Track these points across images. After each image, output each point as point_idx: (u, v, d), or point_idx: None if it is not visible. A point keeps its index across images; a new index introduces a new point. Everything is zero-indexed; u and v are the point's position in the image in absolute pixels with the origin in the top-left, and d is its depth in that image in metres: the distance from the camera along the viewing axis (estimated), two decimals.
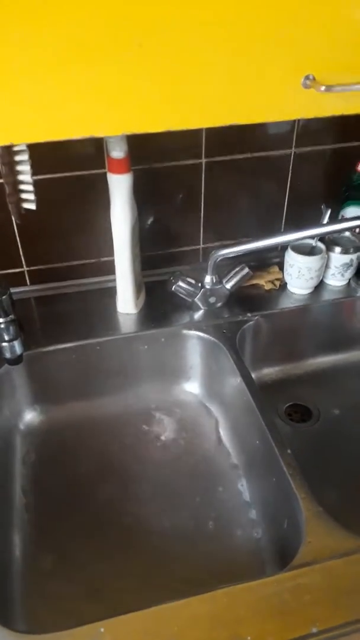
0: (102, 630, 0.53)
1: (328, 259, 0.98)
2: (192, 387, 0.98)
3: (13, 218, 0.84)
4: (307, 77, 0.54)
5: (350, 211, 1.00)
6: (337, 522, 0.64)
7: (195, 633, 0.54)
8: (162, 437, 0.91)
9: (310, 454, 0.88)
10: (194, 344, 0.94)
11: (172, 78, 0.52)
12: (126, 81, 0.51)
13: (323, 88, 0.53)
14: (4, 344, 0.80)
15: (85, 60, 0.49)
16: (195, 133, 0.91)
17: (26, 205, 0.76)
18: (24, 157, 0.71)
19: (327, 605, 0.56)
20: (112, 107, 0.52)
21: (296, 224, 0.90)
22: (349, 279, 1.02)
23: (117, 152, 0.79)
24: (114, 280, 0.93)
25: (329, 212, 0.92)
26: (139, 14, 0.48)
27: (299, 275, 0.97)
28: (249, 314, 0.95)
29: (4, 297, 0.77)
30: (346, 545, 0.61)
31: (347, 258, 0.98)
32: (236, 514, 0.79)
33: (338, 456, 0.89)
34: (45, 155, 0.81)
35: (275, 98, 0.55)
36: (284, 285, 1.01)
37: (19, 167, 0.72)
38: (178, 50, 0.51)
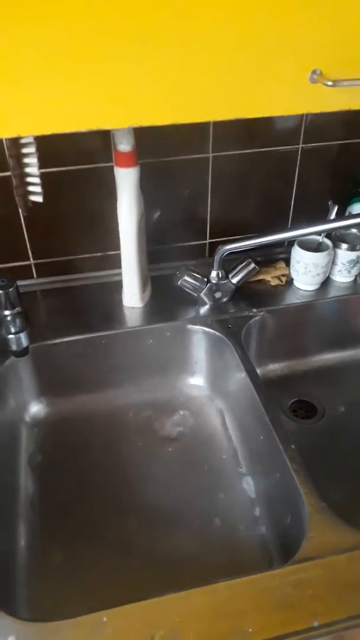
0: (104, 619, 0.54)
1: (335, 255, 0.98)
2: (197, 382, 0.99)
3: (20, 211, 0.84)
4: (314, 72, 0.54)
5: (358, 207, 0.99)
6: (340, 518, 0.64)
7: (197, 624, 0.54)
8: (167, 431, 0.91)
9: (315, 450, 0.88)
10: (199, 339, 0.94)
11: (177, 72, 0.52)
12: (131, 75, 0.51)
13: (330, 83, 0.53)
14: (11, 336, 0.80)
15: (91, 54, 0.49)
16: (203, 127, 0.91)
17: (33, 198, 0.77)
18: (31, 149, 0.71)
19: (328, 600, 0.56)
20: (117, 100, 0.52)
21: (303, 220, 0.90)
22: (356, 276, 1.02)
23: (124, 146, 0.79)
24: (120, 274, 0.94)
25: (336, 208, 0.92)
26: (142, 8, 0.48)
27: (305, 272, 0.96)
28: (254, 310, 0.95)
29: (10, 289, 0.77)
30: (349, 540, 0.61)
31: (353, 255, 0.97)
32: (240, 508, 0.79)
33: (342, 453, 0.89)
34: (52, 148, 0.81)
35: (282, 92, 0.55)
36: (290, 281, 1.01)
37: (26, 160, 0.72)
38: (182, 45, 0.51)
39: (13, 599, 0.67)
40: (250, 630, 0.53)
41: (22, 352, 0.83)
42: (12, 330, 0.80)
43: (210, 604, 0.56)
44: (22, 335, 0.81)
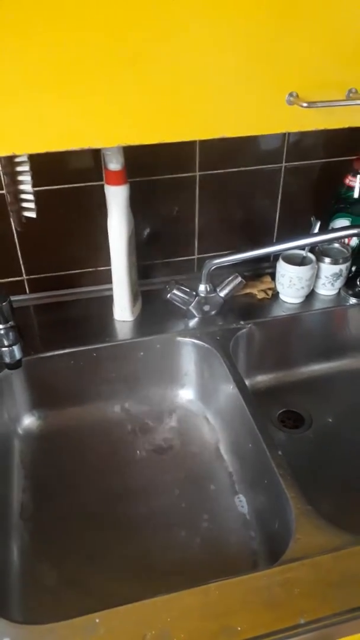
0: (97, 621, 0.55)
1: (318, 269, 1.01)
2: (187, 394, 1.00)
3: (13, 226, 0.87)
4: (290, 94, 0.58)
5: (339, 223, 1.03)
6: (325, 520, 0.65)
7: (187, 624, 0.55)
8: (158, 442, 0.93)
9: (303, 459, 0.89)
10: (189, 351, 0.96)
11: (165, 93, 0.55)
12: (121, 95, 0.54)
13: (305, 104, 0.57)
14: (4, 349, 0.82)
15: (82, 76, 0.52)
16: (190, 147, 0.94)
17: (27, 214, 0.79)
18: (25, 167, 0.74)
19: (314, 598, 0.57)
20: (107, 120, 0.55)
21: (287, 235, 0.93)
22: (339, 289, 1.05)
23: (114, 165, 0.82)
24: (111, 288, 0.96)
25: (318, 224, 0.95)
26: (132, 31, 0.51)
27: (290, 285, 0.99)
28: (242, 322, 0.98)
29: (4, 304, 0.79)
30: (334, 541, 0.63)
31: (336, 268, 1.01)
32: (230, 514, 0.81)
33: (330, 462, 0.90)
34: (45, 167, 0.84)
35: (262, 113, 0.59)
36: (276, 295, 1.04)
37: (20, 177, 0.75)
38: (170, 66, 0.54)
39: (7, 602, 0.67)
40: (239, 628, 0.55)
41: (15, 365, 0.85)
42: (6, 343, 0.82)
43: (200, 604, 0.57)
44: (15, 348, 0.83)
